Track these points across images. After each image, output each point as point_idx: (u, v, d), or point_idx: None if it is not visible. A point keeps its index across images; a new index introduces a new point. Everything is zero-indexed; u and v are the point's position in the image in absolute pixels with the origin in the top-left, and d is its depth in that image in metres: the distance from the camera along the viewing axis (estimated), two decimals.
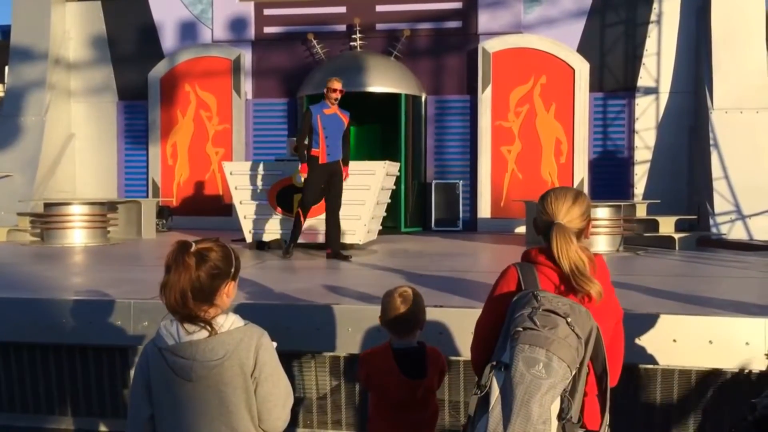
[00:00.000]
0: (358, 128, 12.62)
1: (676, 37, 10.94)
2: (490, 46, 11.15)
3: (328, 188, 6.97)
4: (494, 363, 1.87)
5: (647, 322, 3.78)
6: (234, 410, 1.99)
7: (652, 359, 3.75)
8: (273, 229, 7.88)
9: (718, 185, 9.74)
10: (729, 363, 3.71)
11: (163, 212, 11.10)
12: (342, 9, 11.67)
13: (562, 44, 11.06)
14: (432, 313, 3.85)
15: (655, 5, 10.99)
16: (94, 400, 4.33)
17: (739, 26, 10.24)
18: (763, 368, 3.67)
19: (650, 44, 11.03)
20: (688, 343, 3.74)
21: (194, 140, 12.09)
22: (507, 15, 11.26)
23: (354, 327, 4.02)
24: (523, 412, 1.77)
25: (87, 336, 4.25)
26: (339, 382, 4.14)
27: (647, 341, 3.76)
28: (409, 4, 11.52)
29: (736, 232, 9.37)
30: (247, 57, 11.93)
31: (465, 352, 3.93)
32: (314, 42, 11.61)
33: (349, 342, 4.04)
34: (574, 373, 1.83)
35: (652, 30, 11.02)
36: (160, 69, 12.10)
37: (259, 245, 7.91)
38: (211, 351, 1.97)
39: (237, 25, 11.95)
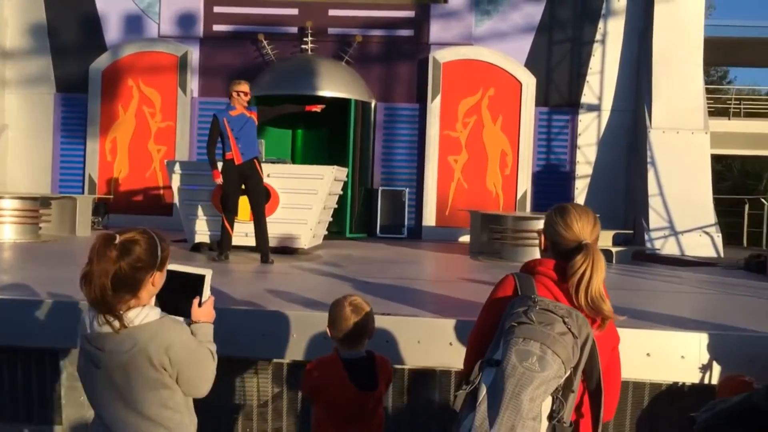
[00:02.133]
0: (305, 132, 12.55)
1: (618, 57, 11.28)
2: (441, 56, 11.25)
3: (246, 191, 6.91)
4: (485, 360, 1.83)
5: None
6: (141, 399, 2.04)
7: None
8: (216, 231, 7.70)
9: (654, 202, 10.09)
10: (665, 376, 3.82)
11: (99, 209, 10.73)
12: (294, 11, 11.57)
13: (511, 58, 11.26)
14: (379, 321, 3.83)
15: (601, 25, 11.32)
16: (20, 405, 4.11)
17: (679, 50, 10.64)
18: (697, 381, 3.79)
19: (594, 63, 11.35)
20: (627, 355, 3.78)
21: (135, 137, 11.74)
22: (458, 26, 11.39)
23: (299, 334, 3.96)
24: (512, 405, 1.72)
25: (15, 338, 4.04)
26: (281, 389, 4.07)
27: None
28: (362, 10, 11.51)
29: (669, 248, 9.71)
30: (194, 54, 11.68)
31: (411, 361, 3.92)
32: (264, 43, 11.47)
33: (293, 349, 3.97)
34: (568, 372, 1.78)
35: (597, 49, 11.34)
36: (102, 62, 11.71)
37: (194, 247, 7.70)
38: (119, 344, 2.01)
39: (185, 20, 11.69)
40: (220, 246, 6.96)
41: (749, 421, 2.56)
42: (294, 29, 11.61)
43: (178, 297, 2.18)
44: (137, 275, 2.03)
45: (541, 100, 11.33)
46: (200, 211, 7.75)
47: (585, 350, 1.84)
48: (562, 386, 1.78)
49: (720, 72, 33.45)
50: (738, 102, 25.43)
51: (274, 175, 7.58)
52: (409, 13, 11.55)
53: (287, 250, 7.63)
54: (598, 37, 11.34)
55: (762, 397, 2.57)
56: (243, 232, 7.43)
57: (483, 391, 1.78)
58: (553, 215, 2.16)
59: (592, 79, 11.35)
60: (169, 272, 2.16)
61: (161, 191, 11.61)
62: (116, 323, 2.00)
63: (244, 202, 7.09)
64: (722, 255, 9.50)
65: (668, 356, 3.80)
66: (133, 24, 11.80)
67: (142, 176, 11.73)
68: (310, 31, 11.43)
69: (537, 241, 8.06)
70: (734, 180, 20.81)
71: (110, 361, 2.02)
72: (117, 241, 2.02)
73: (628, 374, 3.81)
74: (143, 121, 11.73)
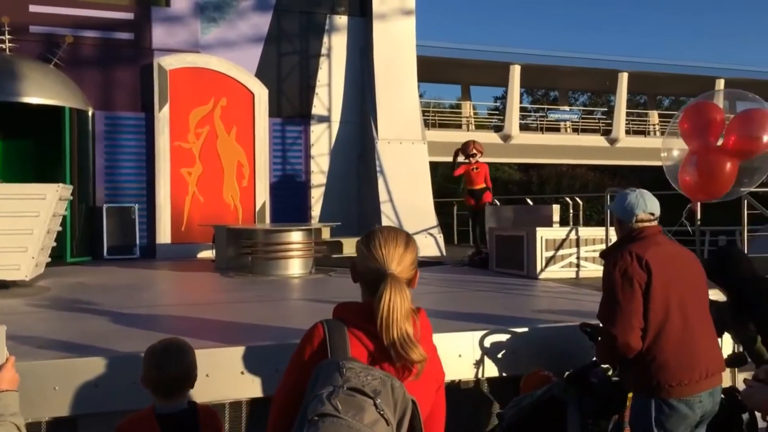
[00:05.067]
0: (5, 144, 10.84)
1: (344, 71, 11.83)
2: (167, 63, 10.60)
3: None
4: None
5: None
6: None
7: None
8: None
9: (385, 207, 10.81)
10: (447, 375, 4.06)
11: None
12: None
13: (241, 68, 11.08)
14: None
15: (326, 40, 11.75)
16: None
17: (397, 68, 11.55)
18: (472, 377, 4.11)
19: (322, 76, 11.75)
20: None
21: None
22: (183, 32, 10.86)
23: (62, 385, 3.36)
24: None
25: None
26: None
27: None
28: (71, 8, 10.31)
29: None
30: None
31: (200, 397, 3.55)
32: None
33: (55, 403, 3.35)
34: None
35: (324, 62, 11.75)
36: None
37: None
38: None
39: None
40: None
41: (550, 411, 2.84)
42: None
43: None
44: None
45: (275, 111, 11.36)
46: None
47: (402, 428, 1.67)
48: None
49: None
50: (434, 114, 28.65)
51: None
52: (127, 15, 10.68)
53: (4, 284, 6.48)
54: (324, 51, 11.76)
55: (560, 389, 2.87)
56: None
57: None
58: (360, 243, 1.91)
59: (321, 91, 11.72)
60: None
61: None
62: None
63: None
64: (445, 254, 10.53)
65: (448, 356, 4.04)
66: None
67: None
68: (7, 29, 9.88)
69: (291, 253, 7.86)
70: (438, 184, 23.33)
71: None
72: None
73: None
74: None
